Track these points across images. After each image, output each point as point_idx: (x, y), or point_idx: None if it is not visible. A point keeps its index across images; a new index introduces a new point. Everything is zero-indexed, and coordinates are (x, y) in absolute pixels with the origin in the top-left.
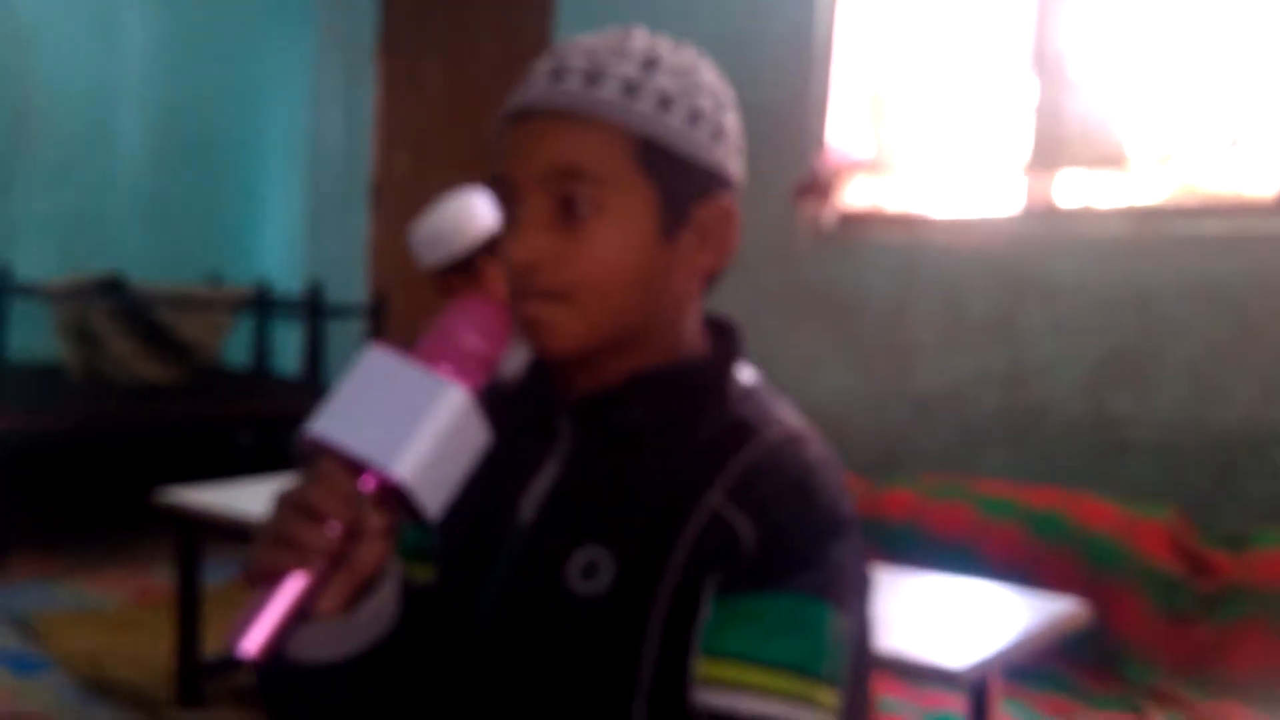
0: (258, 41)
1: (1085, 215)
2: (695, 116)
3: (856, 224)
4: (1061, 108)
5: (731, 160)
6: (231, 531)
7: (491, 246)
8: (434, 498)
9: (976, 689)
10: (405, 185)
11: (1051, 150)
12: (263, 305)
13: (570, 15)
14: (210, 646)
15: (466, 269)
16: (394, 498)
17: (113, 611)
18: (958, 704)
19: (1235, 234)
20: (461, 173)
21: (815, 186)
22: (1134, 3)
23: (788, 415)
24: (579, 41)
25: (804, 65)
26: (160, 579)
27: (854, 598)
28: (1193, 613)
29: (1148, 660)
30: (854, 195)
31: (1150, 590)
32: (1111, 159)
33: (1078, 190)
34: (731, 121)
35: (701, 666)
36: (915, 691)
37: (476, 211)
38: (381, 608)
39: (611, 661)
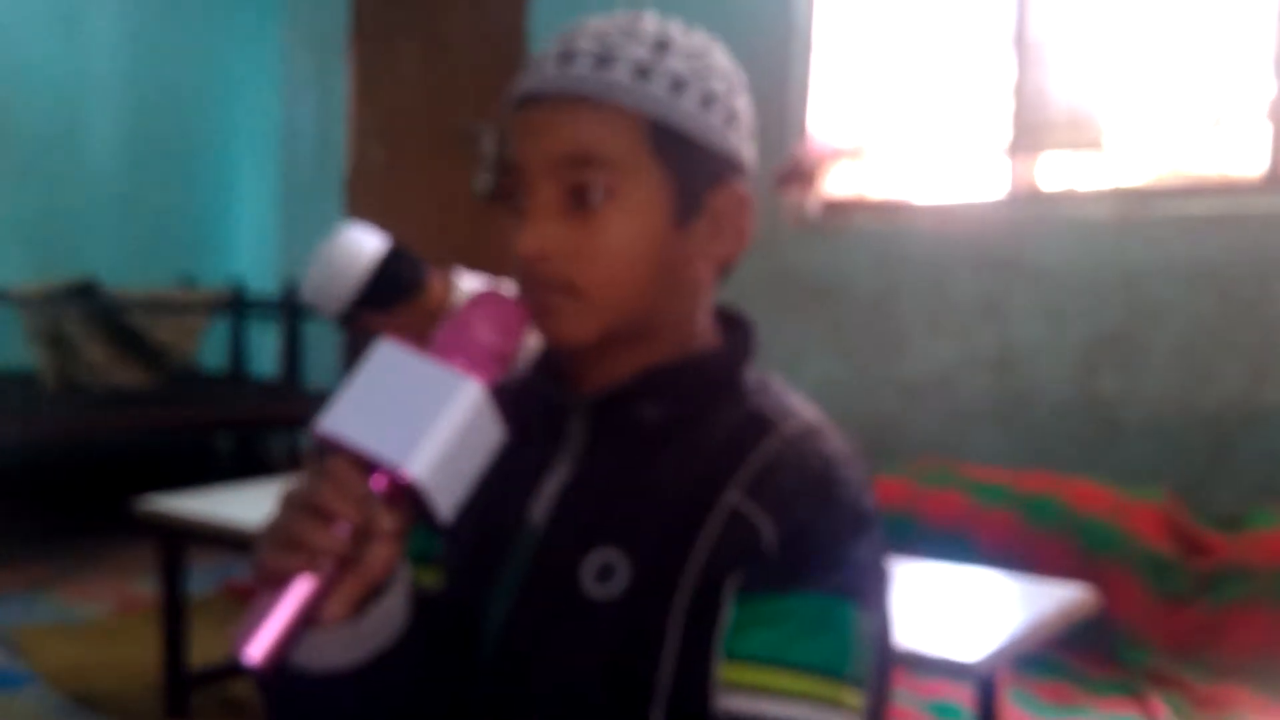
0: (226, 33)
1: (1069, 198)
2: (709, 100)
3: (840, 211)
4: (1043, 90)
5: (745, 146)
6: (214, 539)
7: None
8: (447, 499)
9: (985, 681)
10: (381, 177)
11: (1033, 133)
12: (238, 306)
13: (544, 1)
14: (196, 657)
15: (388, 302)
16: (406, 498)
17: (95, 623)
18: (960, 693)
19: (1221, 213)
20: (437, 162)
21: (798, 174)
22: None
23: (804, 408)
24: (588, 24)
25: (785, 52)
26: (142, 588)
27: (877, 594)
28: (1189, 594)
29: (1145, 643)
30: (837, 182)
31: (1145, 572)
32: (1094, 140)
33: (1061, 173)
34: (744, 105)
35: (724, 670)
36: (917, 682)
37: (357, 239)
38: (390, 613)
39: (629, 666)
